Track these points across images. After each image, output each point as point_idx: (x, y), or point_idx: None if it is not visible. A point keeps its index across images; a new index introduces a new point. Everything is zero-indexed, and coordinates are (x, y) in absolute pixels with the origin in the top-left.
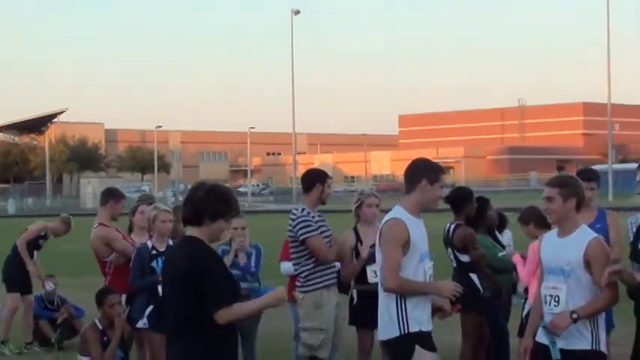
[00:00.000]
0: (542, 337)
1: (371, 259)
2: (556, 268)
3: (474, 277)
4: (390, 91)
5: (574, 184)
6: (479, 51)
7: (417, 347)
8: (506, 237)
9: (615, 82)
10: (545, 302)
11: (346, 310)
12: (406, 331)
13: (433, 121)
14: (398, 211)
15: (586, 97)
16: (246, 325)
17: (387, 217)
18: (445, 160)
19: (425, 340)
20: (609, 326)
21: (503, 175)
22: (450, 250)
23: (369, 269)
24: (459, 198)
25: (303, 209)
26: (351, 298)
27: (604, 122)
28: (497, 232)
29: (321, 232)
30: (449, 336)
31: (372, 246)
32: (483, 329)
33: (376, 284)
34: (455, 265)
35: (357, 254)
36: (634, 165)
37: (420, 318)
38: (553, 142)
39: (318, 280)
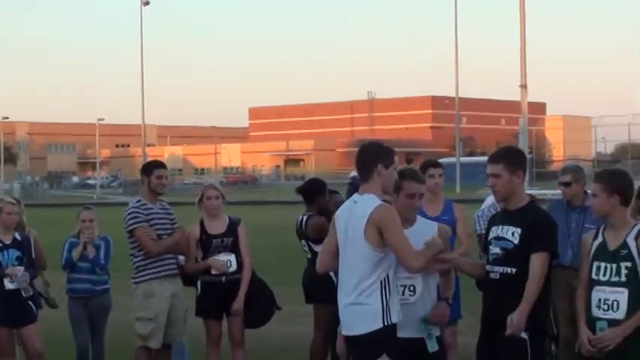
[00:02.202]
0: (408, 331)
1: (212, 250)
2: None
3: None
4: (240, 83)
5: None
6: (329, 44)
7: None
8: None
9: (463, 76)
10: (399, 293)
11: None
12: (389, 322)
13: (283, 114)
14: (374, 198)
15: (434, 90)
16: (96, 316)
17: (367, 205)
18: (295, 153)
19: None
20: (456, 317)
21: (353, 167)
22: (303, 241)
23: (212, 259)
24: (312, 189)
25: (138, 200)
26: (196, 289)
27: (452, 116)
28: None
29: (154, 224)
30: (298, 327)
31: (217, 237)
32: (336, 320)
33: (219, 275)
34: (309, 256)
35: (203, 246)
36: (481, 158)
37: (397, 308)
38: (402, 135)
39: (150, 271)
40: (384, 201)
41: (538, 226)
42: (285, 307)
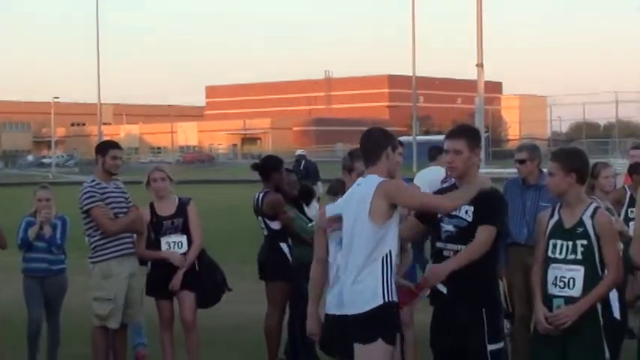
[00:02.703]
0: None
1: (163, 232)
2: None
3: (283, 245)
4: (196, 62)
5: None
6: (286, 23)
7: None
8: (313, 210)
9: (420, 55)
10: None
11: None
12: (390, 299)
13: (240, 93)
14: (378, 177)
15: (391, 69)
16: (52, 296)
17: (372, 183)
18: (252, 132)
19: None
20: None
21: (310, 146)
22: (260, 218)
23: (163, 240)
24: (267, 166)
25: (92, 180)
26: (147, 268)
27: (409, 94)
28: (304, 205)
29: (110, 204)
30: (254, 305)
31: (167, 218)
32: (289, 297)
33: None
34: (266, 233)
35: (154, 228)
36: (437, 137)
37: (394, 288)
38: (359, 113)
39: (108, 250)
40: None
41: (488, 202)
42: (242, 285)
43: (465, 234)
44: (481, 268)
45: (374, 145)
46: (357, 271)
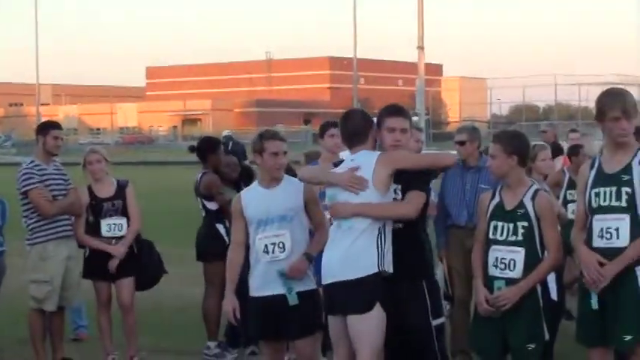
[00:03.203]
0: (271, 289)
1: (103, 214)
2: (275, 216)
3: (220, 227)
4: (137, 42)
5: None
6: (226, 4)
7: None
8: None
9: (361, 37)
10: (269, 252)
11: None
12: (383, 268)
13: (181, 74)
14: (371, 151)
15: (332, 51)
16: None
17: (369, 156)
18: (193, 113)
19: None
20: None
21: (251, 127)
22: (199, 199)
23: (104, 222)
24: (205, 148)
25: (31, 161)
26: (85, 251)
27: (349, 76)
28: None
29: (49, 185)
30: (194, 287)
31: (107, 200)
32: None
33: (109, 238)
34: (204, 214)
35: (94, 210)
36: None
37: (390, 259)
38: (300, 95)
39: (45, 232)
40: None
41: (413, 175)
42: (181, 268)
43: None
44: (416, 239)
45: (358, 127)
46: (350, 237)
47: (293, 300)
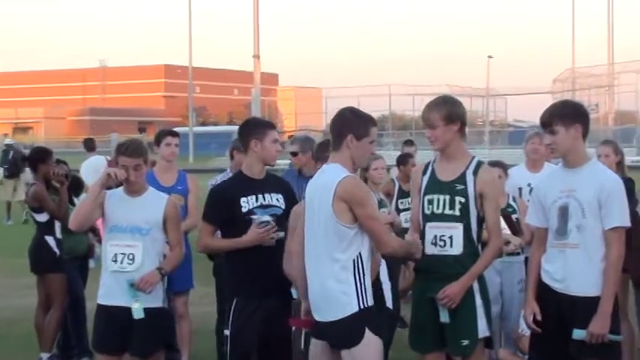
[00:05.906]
0: (116, 299)
1: None
2: (131, 226)
3: (49, 238)
4: None
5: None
6: (60, 10)
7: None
8: None
9: (197, 45)
10: (118, 261)
11: None
12: (365, 305)
13: (11, 81)
14: (340, 169)
15: (168, 59)
16: None
17: (333, 176)
18: (24, 121)
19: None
20: (188, 286)
21: (85, 135)
22: (30, 210)
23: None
24: (34, 158)
25: None
26: None
27: (185, 85)
28: (74, 197)
29: None
30: (29, 299)
31: None
32: (61, 290)
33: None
34: (35, 225)
35: None
36: (213, 128)
37: (370, 290)
38: (135, 103)
39: None
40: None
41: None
42: (14, 279)
43: (282, 221)
44: None
45: (337, 129)
46: (324, 273)
47: (138, 314)
